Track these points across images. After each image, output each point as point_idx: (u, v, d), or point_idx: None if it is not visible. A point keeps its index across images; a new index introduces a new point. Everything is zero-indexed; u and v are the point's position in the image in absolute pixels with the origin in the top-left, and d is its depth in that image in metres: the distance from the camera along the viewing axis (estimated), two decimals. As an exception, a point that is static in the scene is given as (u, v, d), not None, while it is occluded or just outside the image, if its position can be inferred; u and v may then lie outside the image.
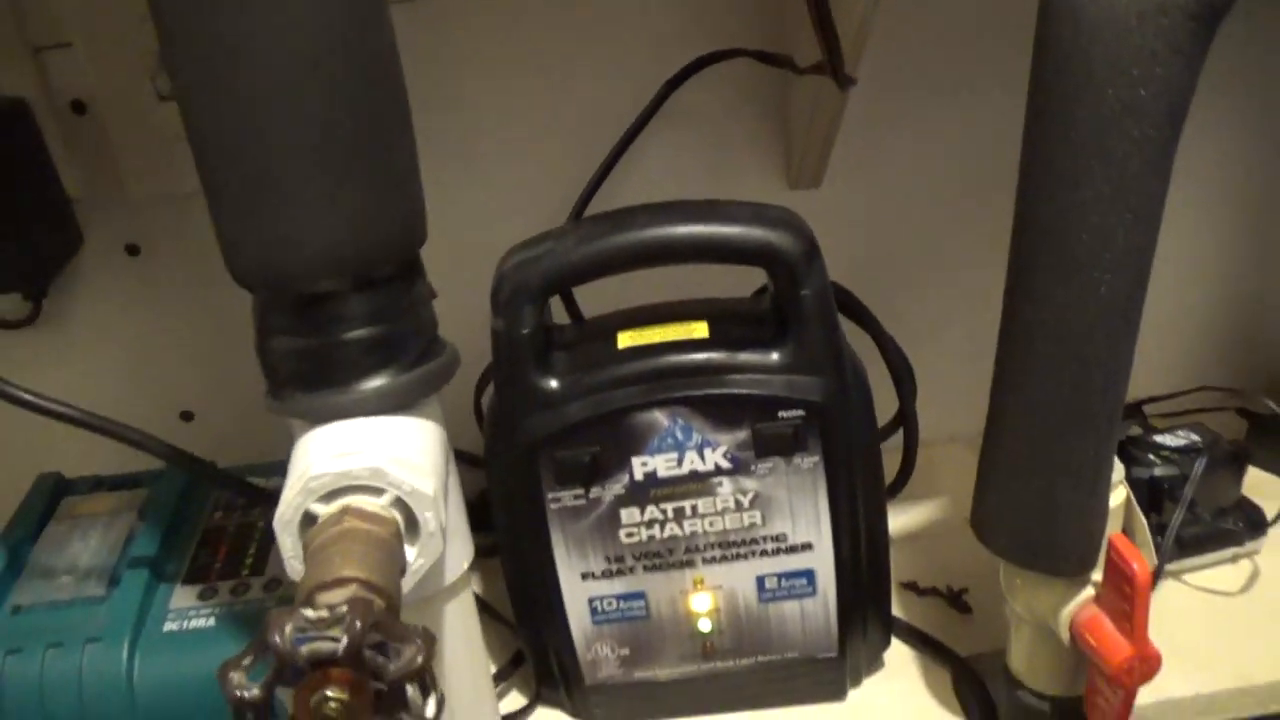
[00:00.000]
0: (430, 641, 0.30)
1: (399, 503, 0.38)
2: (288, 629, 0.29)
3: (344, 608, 0.29)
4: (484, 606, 0.67)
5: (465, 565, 0.47)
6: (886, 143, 0.73)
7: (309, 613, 0.29)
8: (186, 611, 0.58)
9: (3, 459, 0.70)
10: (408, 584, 0.39)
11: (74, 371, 0.72)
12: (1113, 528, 0.47)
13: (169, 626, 0.57)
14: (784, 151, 0.72)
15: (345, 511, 0.36)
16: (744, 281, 0.60)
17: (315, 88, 0.37)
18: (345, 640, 0.28)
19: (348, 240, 0.38)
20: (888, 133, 0.72)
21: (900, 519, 0.73)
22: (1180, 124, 0.40)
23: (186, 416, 0.76)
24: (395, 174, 0.40)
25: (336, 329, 0.39)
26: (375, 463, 0.37)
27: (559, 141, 0.69)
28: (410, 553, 0.38)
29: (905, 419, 0.65)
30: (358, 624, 0.29)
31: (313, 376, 0.40)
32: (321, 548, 0.34)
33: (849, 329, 0.63)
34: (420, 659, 0.30)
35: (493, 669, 0.64)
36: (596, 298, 0.62)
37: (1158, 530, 0.62)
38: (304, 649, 0.28)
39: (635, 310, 0.58)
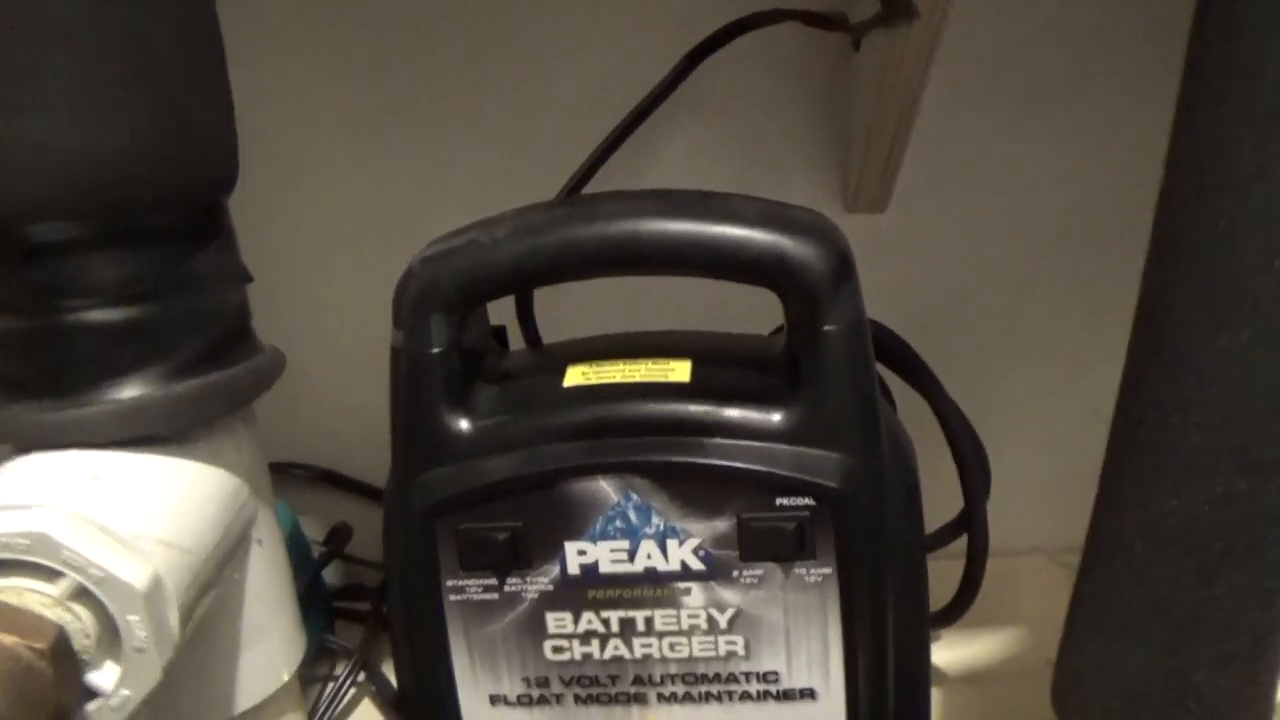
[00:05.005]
0: None
1: (87, 594, 0.23)
2: None
3: None
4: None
5: (281, 679, 0.32)
6: (972, 162, 0.57)
7: None
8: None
9: None
10: (108, 722, 0.24)
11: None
12: (1279, 736, 0.30)
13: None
14: (840, 162, 0.57)
15: (-25, 603, 0.21)
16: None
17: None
18: None
19: (88, 158, 0.24)
20: (974, 149, 0.57)
21: (957, 653, 0.56)
22: None
23: None
24: (171, 71, 0.26)
25: (59, 303, 0.25)
26: (43, 527, 0.22)
27: (554, 127, 0.55)
28: (107, 676, 0.24)
29: (972, 521, 0.48)
30: None
31: (16, 377, 0.26)
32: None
33: (900, 394, 0.48)
34: None
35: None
36: (581, 323, 0.47)
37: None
38: None
39: (602, 339, 0.43)
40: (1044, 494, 0.58)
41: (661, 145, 0.55)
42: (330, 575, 0.60)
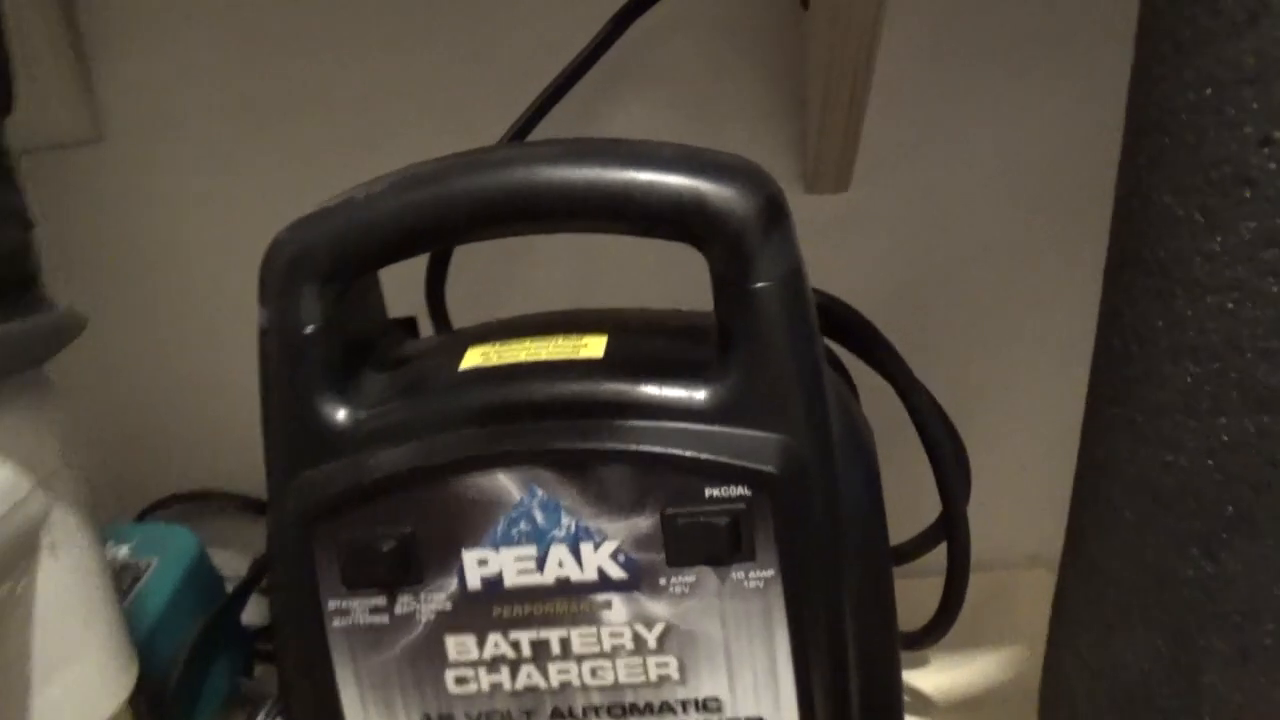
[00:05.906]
0: None
1: None
2: None
3: None
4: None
5: (97, 718, 0.26)
6: (940, 127, 0.52)
7: None
8: None
9: None
10: None
11: None
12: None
13: None
14: (796, 141, 0.52)
15: None
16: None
17: None
18: None
19: None
20: (941, 113, 0.52)
21: (947, 676, 0.50)
22: None
23: None
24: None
25: None
26: None
27: (489, 99, 0.51)
28: None
29: (950, 522, 0.42)
30: None
31: None
32: None
33: (868, 386, 0.42)
34: None
35: None
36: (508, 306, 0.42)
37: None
38: None
39: (515, 319, 0.38)
40: (1041, 496, 0.52)
41: (601, 123, 0.50)
42: (253, 614, 0.54)
